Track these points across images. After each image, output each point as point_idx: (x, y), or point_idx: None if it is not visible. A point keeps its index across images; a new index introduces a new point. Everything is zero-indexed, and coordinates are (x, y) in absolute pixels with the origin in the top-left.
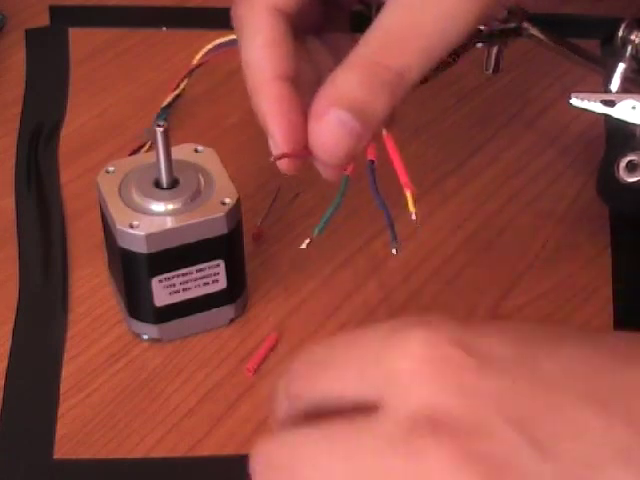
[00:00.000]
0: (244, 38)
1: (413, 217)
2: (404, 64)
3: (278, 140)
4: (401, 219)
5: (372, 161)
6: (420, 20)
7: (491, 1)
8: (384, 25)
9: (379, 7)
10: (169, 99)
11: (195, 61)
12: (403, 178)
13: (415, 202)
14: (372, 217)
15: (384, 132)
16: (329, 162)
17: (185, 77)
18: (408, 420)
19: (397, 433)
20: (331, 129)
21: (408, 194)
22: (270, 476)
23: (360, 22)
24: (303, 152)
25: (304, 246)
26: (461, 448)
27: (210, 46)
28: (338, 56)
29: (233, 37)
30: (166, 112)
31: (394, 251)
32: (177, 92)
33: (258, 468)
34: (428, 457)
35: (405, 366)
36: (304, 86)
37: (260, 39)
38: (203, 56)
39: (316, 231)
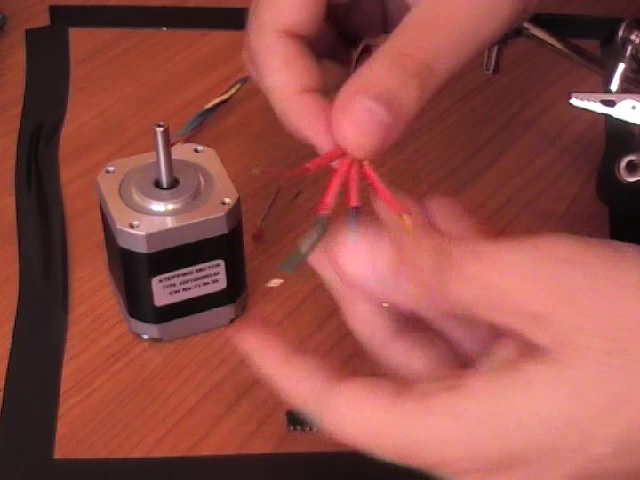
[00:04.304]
0: (261, 67)
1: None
2: (432, 55)
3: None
4: None
5: (356, 208)
6: (450, 11)
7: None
8: (412, 18)
9: (363, 51)
10: (215, 101)
11: None
12: (396, 207)
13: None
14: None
15: (365, 163)
16: (359, 157)
17: (236, 83)
18: None
19: None
20: (358, 119)
21: (407, 219)
22: None
23: None
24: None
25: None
26: None
27: None
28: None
29: None
30: (207, 114)
31: None
32: (225, 97)
33: None
34: None
35: None
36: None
37: (276, 62)
38: None
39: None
